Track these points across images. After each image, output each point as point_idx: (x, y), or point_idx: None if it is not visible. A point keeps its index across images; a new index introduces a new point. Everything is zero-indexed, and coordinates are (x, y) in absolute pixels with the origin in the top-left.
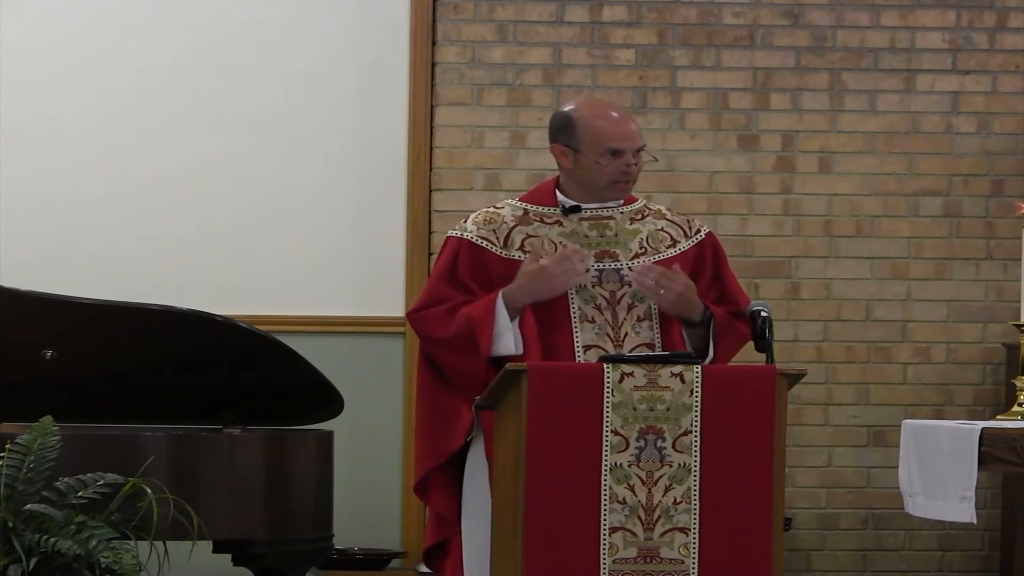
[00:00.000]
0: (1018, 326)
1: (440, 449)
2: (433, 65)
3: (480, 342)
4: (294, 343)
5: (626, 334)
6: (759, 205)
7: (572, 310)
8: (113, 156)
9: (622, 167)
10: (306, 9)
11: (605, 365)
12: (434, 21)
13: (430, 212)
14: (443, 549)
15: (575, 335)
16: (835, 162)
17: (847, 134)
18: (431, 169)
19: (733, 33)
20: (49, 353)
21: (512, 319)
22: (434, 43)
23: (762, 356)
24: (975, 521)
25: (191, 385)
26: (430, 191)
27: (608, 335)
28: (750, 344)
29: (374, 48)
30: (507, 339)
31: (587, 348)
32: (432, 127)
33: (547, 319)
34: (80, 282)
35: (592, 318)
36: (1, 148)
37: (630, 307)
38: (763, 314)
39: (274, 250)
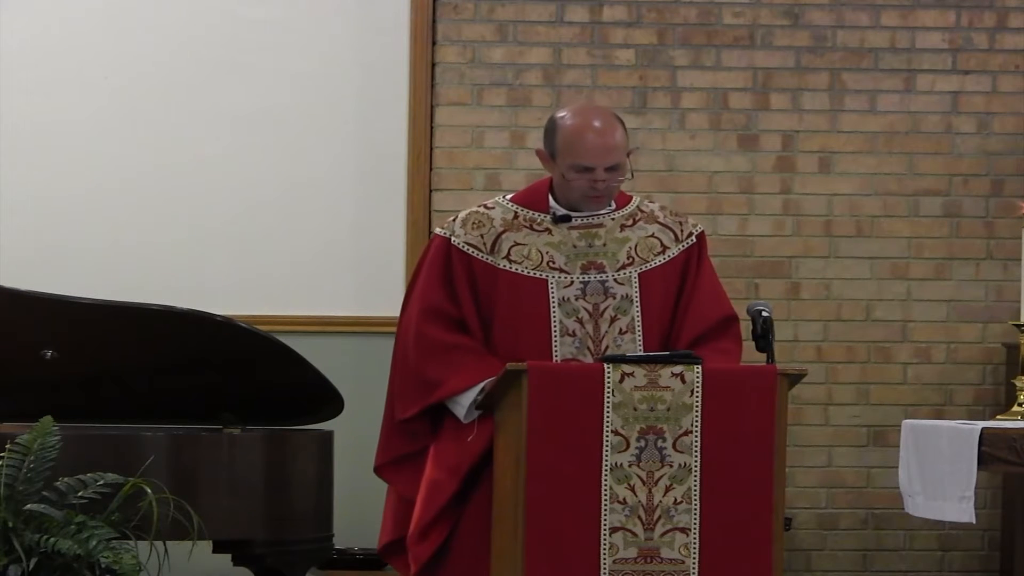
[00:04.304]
0: (1018, 326)
1: (390, 449)
2: (433, 65)
3: (436, 393)
4: (294, 343)
5: (607, 347)
6: (759, 205)
7: (553, 323)
8: (113, 156)
9: (591, 183)
10: (306, 9)
11: (605, 365)
12: (434, 21)
13: (430, 212)
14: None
15: (554, 348)
16: (835, 162)
17: (847, 134)
18: (431, 169)
19: (733, 33)
20: (49, 353)
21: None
22: (434, 43)
23: (762, 356)
24: (975, 521)
25: (191, 385)
26: (430, 191)
27: (588, 348)
28: (750, 344)
29: (374, 48)
30: (459, 412)
31: (565, 362)
32: (432, 127)
33: (527, 331)
34: (80, 282)
35: (573, 331)
36: (1, 148)
37: (613, 319)
38: (764, 314)
39: (274, 250)
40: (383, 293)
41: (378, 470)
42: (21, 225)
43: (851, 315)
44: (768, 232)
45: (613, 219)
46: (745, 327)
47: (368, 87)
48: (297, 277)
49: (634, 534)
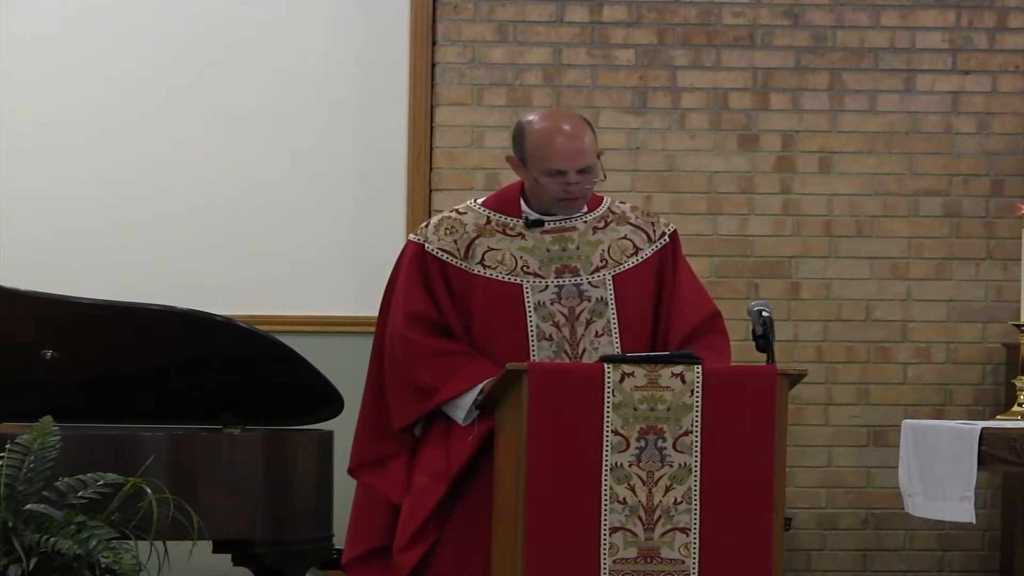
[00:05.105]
0: (1018, 326)
1: (368, 450)
2: (433, 65)
3: (435, 399)
4: (294, 343)
5: (584, 350)
6: (759, 205)
7: (529, 328)
8: (113, 156)
9: (564, 186)
10: (306, 9)
11: (606, 365)
12: (434, 21)
13: (430, 212)
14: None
15: (531, 353)
16: (835, 162)
17: (847, 134)
18: (431, 169)
19: (733, 33)
20: (49, 353)
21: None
22: (434, 43)
23: (762, 356)
24: (975, 521)
25: (191, 385)
26: (430, 191)
27: (565, 352)
28: (750, 344)
29: (374, 48)
30: (458, 415)
31: (564, 362)
32: (432, 127)
33: (504, 337)
34: (80, 282)
35: (549, 336)
36: (1, 149)
37: (588, 322)
38: (764, 314)
39: (274, 250)
40: (383, 293)
41: (353, 471)
42: (21, 225)
43: (851, 315)
44: (768, 232)
45: (585, 222)
46: (745, 327)
47: (368, 87)
48: (297, 277)
49: (634, 534)
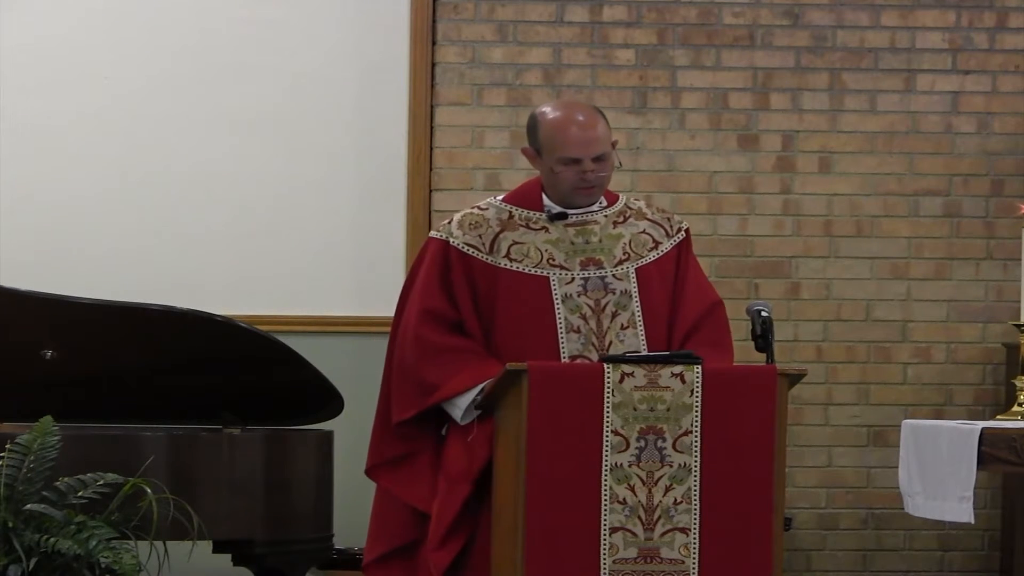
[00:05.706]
0: (1018, 326)
1: (383, 450)
2: (433, 65)
3: (435, 396)
4: (294, 343)
5: (611, 342)
6: (759, 205)
7: (558, 320)
8: (113, 157)
9: (579, 175)
10: (306, 9)
11: (605, 365)
12: (434, 21)
13: (430, 212)
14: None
15: (561, 345)
16: (835, 162)
17: (847, 134)
18: (431, 169)
19: (733, 33)
20: (49, 353)
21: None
22: (434, 43)
23: (762, 356)
24: (972, 521)
25: (191, 385)
26: (430, 191)
27: (593, 344)
28: (750, 344)
29: (374, 48)
30: (456, 413)
31: (573, 359)
32: (432, 127)
33: (532, 330)
34: (80, 282)
35: (577, 328)
36: (1, 149)
37: (614, 315)
38: (763, 314)
39: (274, 250)
40: (383, 293)
41: (370, 471)
42: (21, 225)
43: (851, 315)
44: (768, 232)
45: (606, 216)
46: (745, 327)
47: (368, 87)
48: (297, 277)
49: (634, 534)
